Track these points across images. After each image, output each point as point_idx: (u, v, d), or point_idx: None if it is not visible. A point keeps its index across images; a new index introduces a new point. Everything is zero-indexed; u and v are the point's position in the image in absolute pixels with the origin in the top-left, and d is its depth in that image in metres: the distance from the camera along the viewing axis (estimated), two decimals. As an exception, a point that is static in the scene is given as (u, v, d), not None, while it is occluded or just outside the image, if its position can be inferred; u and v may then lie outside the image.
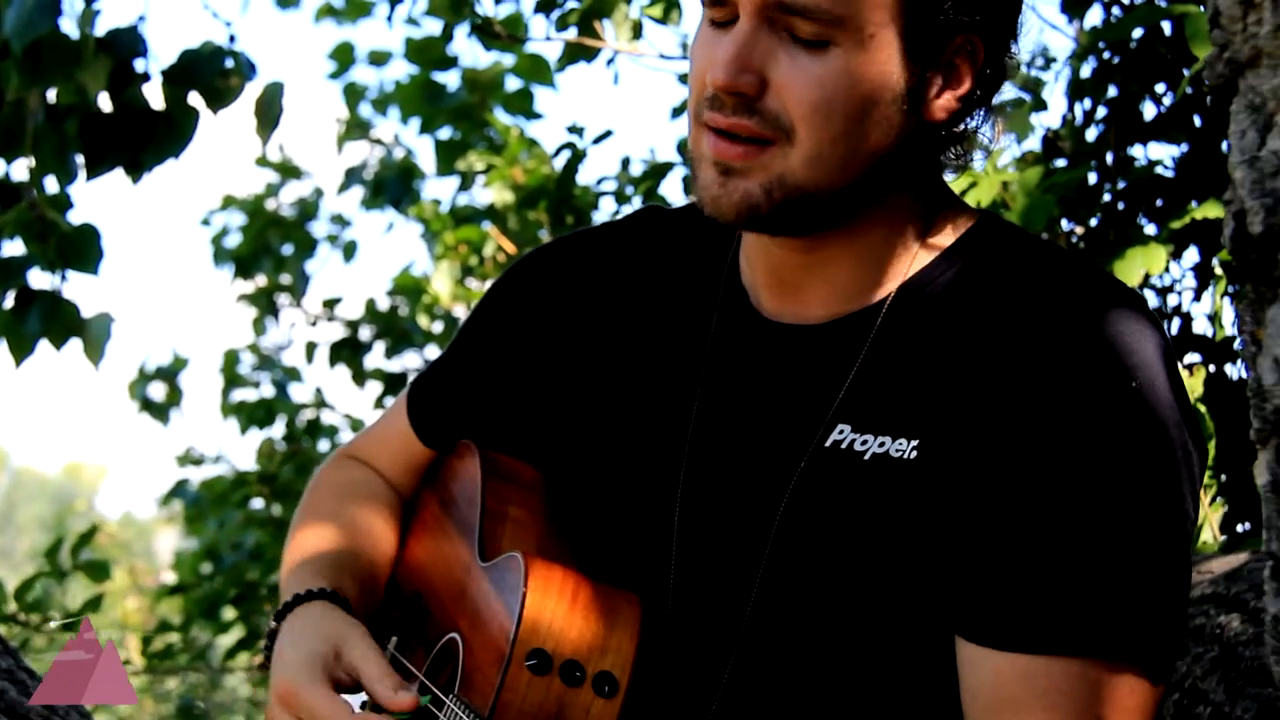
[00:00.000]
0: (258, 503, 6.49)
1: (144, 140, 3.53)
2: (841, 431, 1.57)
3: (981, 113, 1.61)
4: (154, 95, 3.56)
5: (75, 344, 3.73)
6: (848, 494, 1.55)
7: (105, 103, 3.51)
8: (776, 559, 1.58)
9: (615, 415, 1.74)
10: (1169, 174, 3.39)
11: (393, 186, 7.19)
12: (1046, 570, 1.43)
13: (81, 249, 3.63)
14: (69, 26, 3.38)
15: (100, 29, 3.47)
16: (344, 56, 7.31)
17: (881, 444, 1.54)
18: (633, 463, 1.71)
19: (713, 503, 1.64)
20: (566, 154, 4.57)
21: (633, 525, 1.70)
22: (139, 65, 3.53)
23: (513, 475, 1.82)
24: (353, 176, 7.44)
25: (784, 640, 1.58)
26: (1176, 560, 1.45)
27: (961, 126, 1.60)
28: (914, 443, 1.52)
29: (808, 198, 1.53)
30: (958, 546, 1.49)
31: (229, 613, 6.38)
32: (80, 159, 3.56)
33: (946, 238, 1.62)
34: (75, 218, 3.67)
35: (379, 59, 7.25)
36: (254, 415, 7.51)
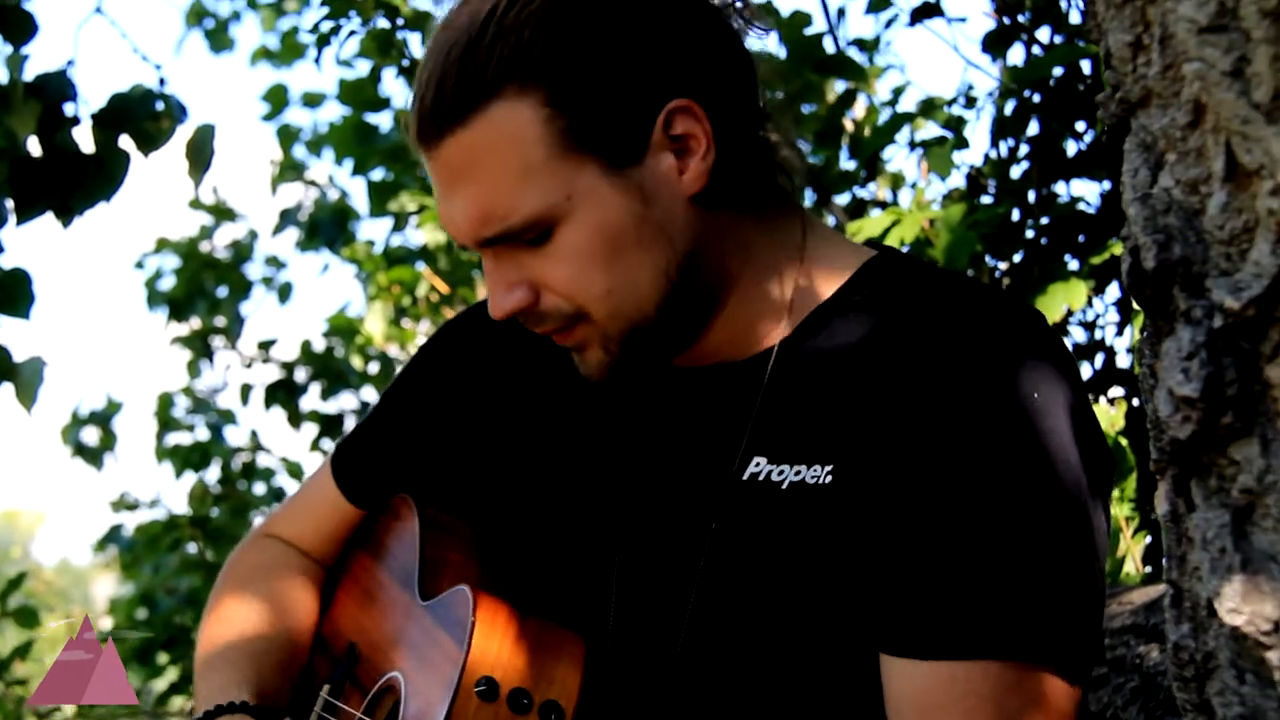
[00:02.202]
0: (192, 547, 6.44)
1: (74, 184, 3.52)
2: (758, 464, 1.59)
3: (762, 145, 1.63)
4: (84, 139, 3.55)
5: (7, 389, 3.70)
6: (769, 524, 1.57)
7: (35, 147, 3.49)
8: (705, 593, 1.60)
9: (544, 468, 1.77)
10: (1091, 210, 3.44)
11: (328, 228, 7.18)
12: (959, 579, 1.45)
13: (12, 293, 3.60)
14: (-3, 71, 3.37)
15: (29, 73, 3.46)
16: (277, 98, 7.30)
17: (798, 472, 1.56)
18: (565, 507, 1.73)
19: (644, 542, 1.66)
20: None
21: (569, 572, 1.72)
22: (68, 109, 3.51)
23: (449, 528, 1.84)
24: (287, 218, 7.42)
25: (715, 670, 1.60)
26: (1085, 565, 1.48)
27: (754, 163, 1.62)
28: (828, 468, 1.54)
29: (646, 333, 1.58)
30: (876, 565, 1.51)
31: (162, 657, 6.32)
32: (10, 203, 3.54)
33: (838, 275, 1.64)
34: (6, 262, 3.66)
35: (313, 100, 7.25)
36: (189, 459, 7.46)
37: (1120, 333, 3.49)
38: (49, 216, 3.54)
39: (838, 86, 4.37)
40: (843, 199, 3.99)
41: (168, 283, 7.78)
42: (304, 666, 1.91)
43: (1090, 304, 3.54)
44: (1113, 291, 3.44)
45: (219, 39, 8.46)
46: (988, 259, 3.47)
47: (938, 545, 1.47)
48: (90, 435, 7.73)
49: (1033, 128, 3.56)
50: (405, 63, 3.71)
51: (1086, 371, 3.57)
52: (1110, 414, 3.11)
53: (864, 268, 1.65)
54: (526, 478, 1.78)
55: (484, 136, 1.49)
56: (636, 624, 1.65)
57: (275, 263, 7.97)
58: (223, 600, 1.94)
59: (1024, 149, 3.58)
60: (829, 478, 1.54)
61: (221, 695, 1.78)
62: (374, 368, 6.69)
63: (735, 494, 1.60)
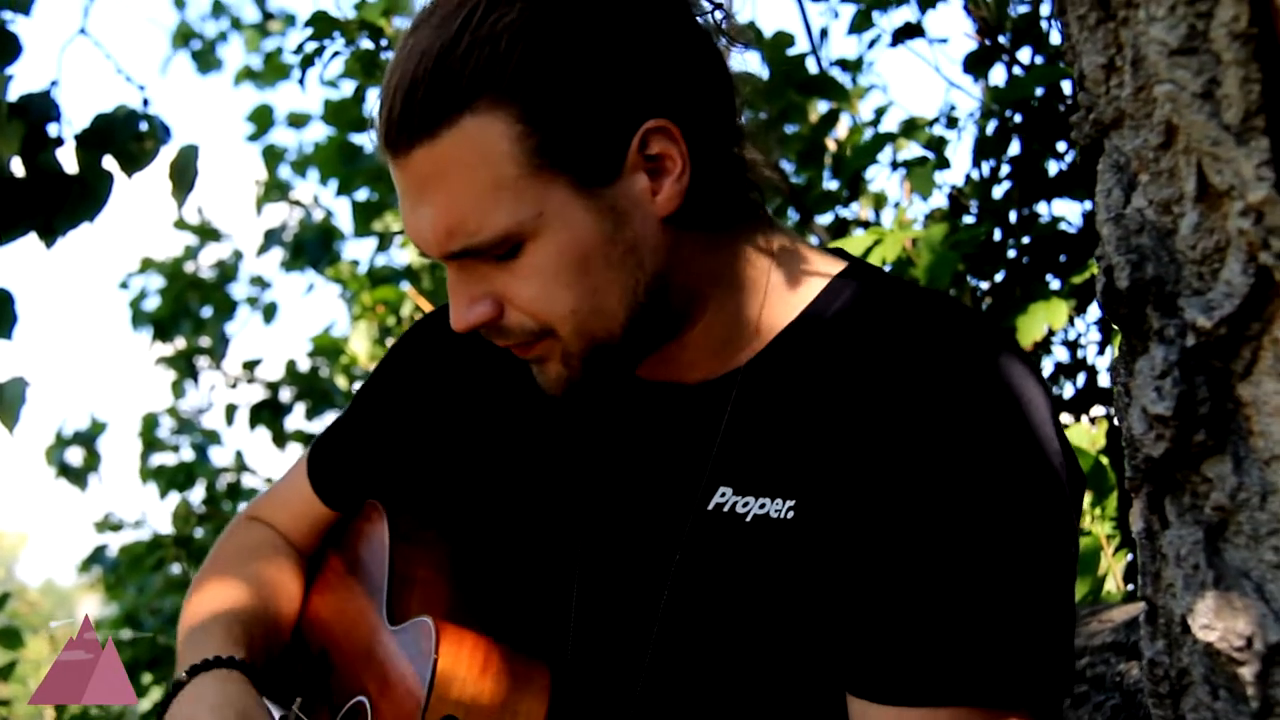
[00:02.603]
0: (176, 568, 6.43)
1: (57, 204, 3.52)
2: (723, 494, 1.58)
3: (734, 166, 1.60)
4: (68, 159, 3.55)
5: (-11, 409, 3.70)
6: (733, 557, 1.56)
7: (18, 168, 3.49)
8: (668, 624, 1.59)
9: (509, 474, 1.76)
10: (1073, 230, 3.45)
11: (313, 248, 7.19)
12: (926, 622, 1.43)
13: (-6, 313, 3.61)
14: (-20, 92, 3.38)
15: (13, 94, 3.46)
16: (263, 119, 7.31)
17: (761, 505, 1.54)
18: (527, 524, 1.72)
19: (606, 567, 1.65)
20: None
21: (532, 587, 1.71)
22: (52, 129, 3.51)
23: (420, 537, 1.82)
24: (272, 238, 7.43)
25: (678, 703, 1.58)
26: (1056, 602, 1.46)
27: (728, 183, 1.59)
28: (790, 503, 1.53)
29: (608, 349, 1.55)
30: (843, 603, 1.49)
31: (147, 677, 6.31)
32: (-8, 224, 3.55)
33: (805, 295, 1.62)
34: (-12, 282, 3.65)
35: (298, 121, 7.26)
36: (173, 479, 7.46)
37: (1101, 352, 3.51)
38: (32, 237, 3.54)
39: (820, 107, 4.39)
40: (825, 218, 4.00)
41: (152, 303, 7.79)
42: (283, 647, 1.90)
43: (1072, 323, 3.55)
44: (1094, 311, 3.45)
45: (206, 60, 8.48)
46: (969, 278, 3.48)
47: (906, 585, 1.45)
48: (75, 456, 7.73)
49: (1014, 148, 3.57)
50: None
51: (1069, 391, 3.59)
52: (1091, 433, 3.12)
53: (829, 287, 1.62)
54: (492, 487, 1.77)
55: (454, 150, 1.46)
56: (597, 652, 1.64)
57: (260, 283, 7.98)
58: (211, 576, 1.93)
59: (1005, 169, 3.60)
60: (791, 512, 1.52)
61: (212, 652, 1.76)
62: (358, 387, 6.69)
63: (700, 525, 1.58)
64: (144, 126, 3.59)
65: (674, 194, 1.52)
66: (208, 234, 7.85)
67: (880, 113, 4.03)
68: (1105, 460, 2.97)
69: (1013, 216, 3.53)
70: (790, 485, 1.53)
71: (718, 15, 1.58)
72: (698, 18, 1.56)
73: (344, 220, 7.44)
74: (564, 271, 1.49)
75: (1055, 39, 3.36)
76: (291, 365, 7.31)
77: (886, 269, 3.35)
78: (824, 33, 5.07)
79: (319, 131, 7.45)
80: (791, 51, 3.89)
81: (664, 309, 1.56)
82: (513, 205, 1.46)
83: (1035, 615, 1.44)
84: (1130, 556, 3.00)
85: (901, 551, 1.45)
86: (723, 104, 1.58)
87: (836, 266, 1.65)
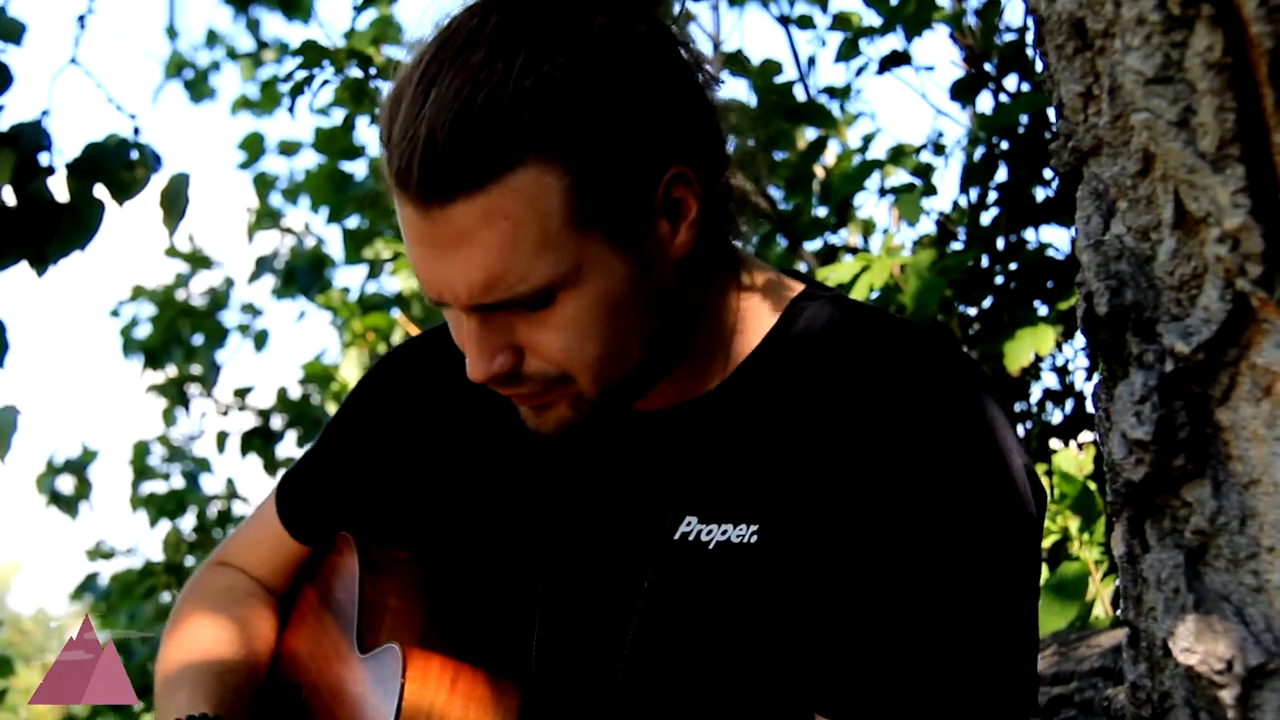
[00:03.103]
0: (167, 596, 6.42)
1: (48, 233, 3.52)
2: (689, 523, 1.58)
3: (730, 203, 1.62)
4: (59, 188, 3.56)
5: (-20, 438, 3.70)
6: (699, 585, 1.56)
7: (9, 196, 3.50)
8: (636, 654, 1.59)
9: (478, 508, 1.76)
10: (1060, 256, 3.47)
11: (304, 275, 7.19)
12: (892, 643, 1.44)
13: (-15, 342, 3.61)
14: (-28, 122, 3.39)
15: (4, 123, 3.48)
16: (254, 146, 7.33)
17: (724, 532, 1.55)
18: (495, 552, 1.73)
19: (572, 596, 1.66)
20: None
21: (497, 616, 1.71)
22: (43, 159, 3.53)
23: (390, 566, 1.82)
24: (264, 265, 7.43)
25: None
26: (1018, 625, 1.47)
27: (723, 222, 1.61)
28: (753, 528, 1.53)
29: (615, 394, 1.55)
30: (805, 627, 1.50)
31: (138, 705, 6.29)
32: (-16, 252, 3.56)
33: (770, 313, 1.64)
34: (-21, 311, 3.66)
35: (289, 149, 7.28)
36: (164, 507, 7.45)
37: (1090, 378, 3.52)
38: (23, 265, 3.55)
39: (809, 134, 4.41)
40: (814, 245, 4.02)
41: (143, 330, 7.78)
42: (258, 691, 1.90)
43: (1060, 349, 3.57)
44: (1082, 337, 3.46)
45: (199, 89, 8.49)
46: (957, 304, 3.50)
47: (869, 607, 1.45)
48: (66, 484, 7.71)
49: (1001, 174, 3.60)
50: (378, 111, 3.73)
51: (1057, 417, 3.60)
52: (1079, 458, 3.13)
53: (787, 312, 1.64)
54: (460, 515, 1.77)
55: (502, 204, 1.43)
56: (562, 680, 1.65)
57: (251, 310, 7.98)
58: (182, 623, 1.92)
59: (993, 195, 3.62)
60: (754, 537, 1.53)
61: (186, 710, 1.76)
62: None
63: (667, 555, 1.59)
64: (135, 155, 3.60)
65: (689, 236, 1.53)
66: (199, 261, 7.86)
67: (868, 140, 4.05)
68: (1093, 485, 2.99)
69: (1000, 243, 3.55)
70: (752, 510, 1.54)
71: (698, 50, 1.59)
72: (682, 51, 1.57)
73: (335, 247, 7.45)
74: (596, 321, 1.49)
75: (1041, 66, 3.38)
76: (283, 392, 7.30)
77: (874, 295, 3.37)
78: (811, 60, 5.08)
79: (310, 159, 7.47)
80: (779, 79, 3.91)
81: (668, 347, 1.57)
82: (555, 258, 1.45)
83: (997, 638, 1.45)
84: (1118, 582, 3.01)
85: (862, 573, 1.46)
86: (717, 140, 1.58)
87: (793, 290, 1.66)
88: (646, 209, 1.50)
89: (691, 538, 1.58)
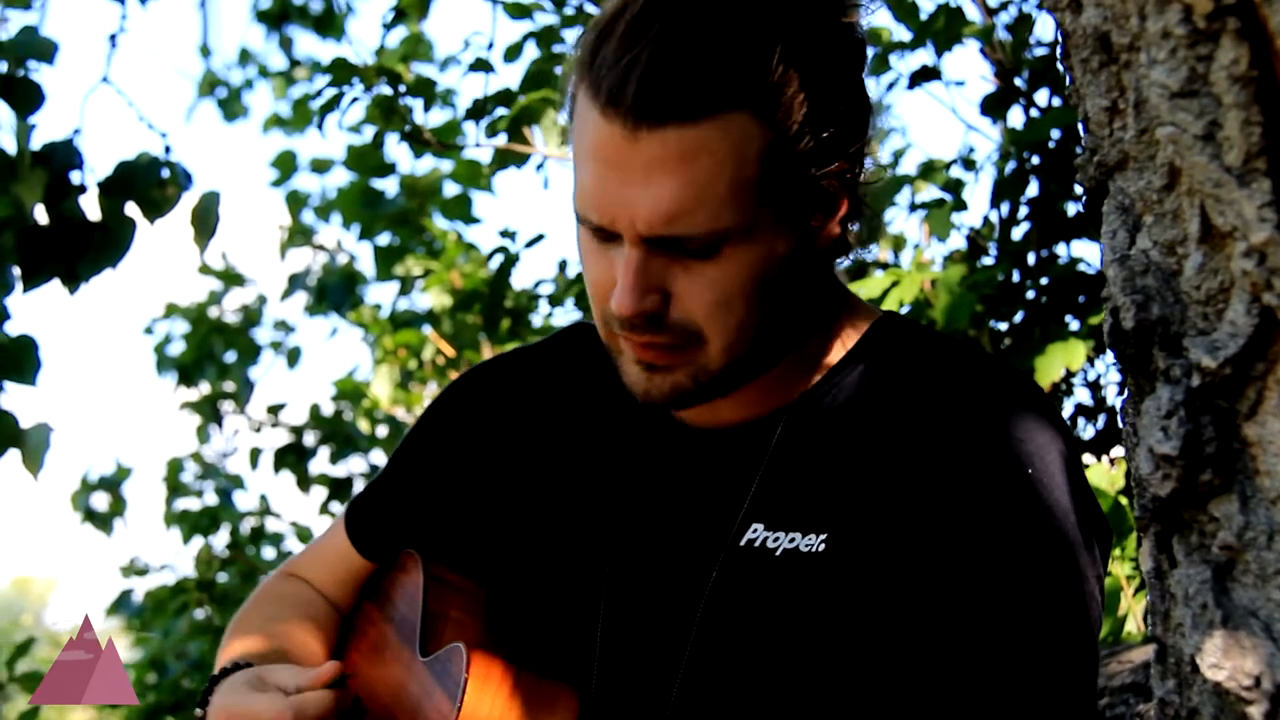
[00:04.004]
0: (200, 612, 6.44)
1: (80, 251, 3.55)
2: (755, 530, 1.59)
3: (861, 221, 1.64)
4: (91, 206, 3.59)
5: (14, 455, 3.72)
6: (762, 592, 1.57)
7: (42, 215, 3.53)
8: (697, 660, 1.60)
9: (546, 526, 1.77)
10: (1091, 271, 3.46)
11: (336, 292, 7.20)
12: (959, 660, 1.45)
13: (19, 360, 3.63)
14: (5, 140, 3.42)
15: (36, 143, 3.50)
16: (286, 164, 7.36)
17: (791, 540, 1.56)
18: (561, 571, 1.74)
19: (634, 607, 1.66)
20: (500, 258, 4.62)
21: (561, 632, 1.72)
22: (75, 177, 3.55)
23: (454, 584, 1.84)
24: (296, 282, 7.45)
25: None
26: (1081, 648, 1.48)
27: (850, 236, 1.62)
28: (822, 537, 1.55)
29: (732, 371, 1.57)
30: (872, 641, 1.50)
31: (170, 721, 6.31)
32: (17, 271, 3.58)
33: (848, 339, 1.66)
34: (12, 329, 3.67)
35: (321, 166, 7.30)
36: (197, 524, 7.46)
37: (1121, 392, 3.48)
38: (56, 283, 3.57)
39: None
40: (844, 260, 4.00)
41: (177, 348, 7.82)
42: None
43: (1091, 364, 3.55)
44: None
45: (231, 107, 8.53)
46: (988, 320, 3.48)
47: (938, 625, 1.46)
48: (100, 501, 7.74)
49: (1032, 189, 3.58)
50: (408, 128, 3.75)
51: (1089, 432, 3.58)
52: (1111, 474, 3.11)
53: (870, 332, 1.66)
54: (528, 535, 1.79)
55: (711, 141, 1.45)
56: (622, 690, 1.65)
57: (284, 327, 8.01)
58: (246, 620, 1.95)
59: (1024, 210, 3.60)
60: (822, 546, 1.54)
61: (226, 666, 1.80)
62: (382, 431, 6.69)
63: (730, 560, 1.60)
64: (166, 173, 3.62)
65: (833, 233, 1.57)
66: (232, 279, 7.89)
67: (898, 155, 4.04)
68: (1125, 501, 2.97)
69: (1031, 258, 3.54)
70: (821, 520, 1.56)
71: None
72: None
73: (366, 264, 7.46)
74: (748, 286, 1.51)
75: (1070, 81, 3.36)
76: (315, 409, 7.32)
77: (904, 310, 3.36)
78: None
79: (341, 177, 7.49)
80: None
81: (780, 344, 1.60)
82: (738, 209, 1.48)
83: (1064, 655, 1.46)
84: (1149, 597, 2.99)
85: (931, 595, 1.47)
86: (863, 143, 1.61)
87: (870, 316, 1.69)
88: (813, 195, 1.53)
89: (758, 544, 1.59)
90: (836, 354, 1.65)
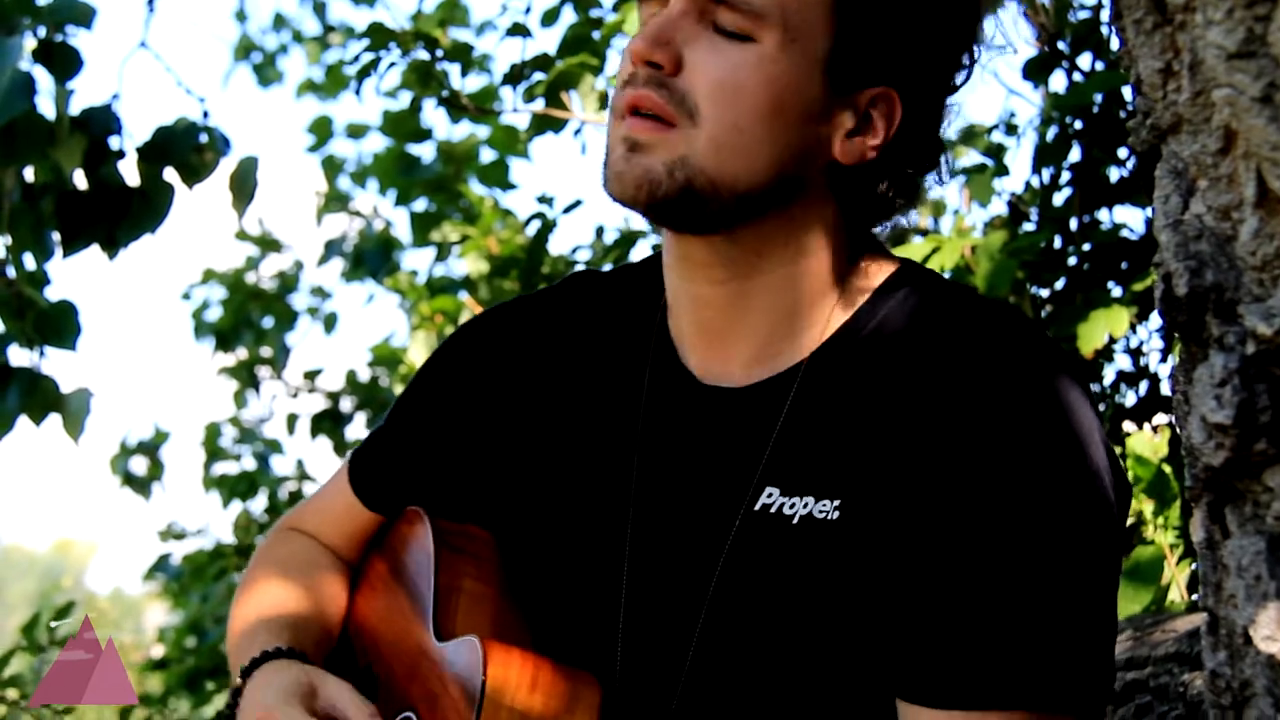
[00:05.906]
0: (238, 576, 6.48)
1: (119, 217, 3.55)
2: (770, 495, 1.57)
3: (900, 180, 1.62)
4: (129, 172, 3.59)
5: (55, 420, 3.74)
6: (778, 558, 1.55)
7: (81, 180, 3.53)
8: (711, 625, 1.58)
9: (556, 478, 1.74)
10: (1134, 237, 3.43)
11: (372, 258, 7.20)
12: (978, 624, 1.43)
13: (59, 325, 3.64)
14: (44, 106, 3.41)
15: (75, 108, 3.50)
16: (322, 130, 7.36)
17: (806, 505, 1.54)
18: (577, 526, 1.71)
19: (654, 567, 1.64)
20: (537, 224, 4.60)
21: (580, 590, 1.70)
22: (114, 143, 3.55)
23: (464, 544, 1.80)
24: (332, 249, 7.45)
25: (723, 707, 1.57)
26: (1100, 608, 1.46)
27: (883, 185, 1.61)
28: (836, 503, 1.52)
29: (708, 185, 1.53)
30: (887, 606, 1.49)
31: (210, 685, 6.35)
32: (56, 236, 3.59)
33: (864, 288, 1.63)
34: (52, 294, 3.69)
35: (357, 132, 7.30)
36: (235, 488, 7.51)
37: (1164, 359, 3.47)
38: (95, 249, 3.58)
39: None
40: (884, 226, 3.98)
41: (214, 313, 7.85)
42: (331, 654, 1.89)
43: (1134, 330, 3.52)
44: (1156, 318, 3.42)
45: (266, 73, 8.54)
46: (1029, 286, 3.46)
47: (956, 588, 1.44)
48: (139, 465, 7.79)
49: (1075, 154, 3.55)
50: (444, 94, 3.73)
51: (1130, 399, 3.56)
52: (1154, 441, 3.09)
53: (883, 286, 1.63)
54: (538, 492, 1.75)
55: None
56: (644, 653, 1.63)
57: (320, 293, 8.02)
58: (255, 584, 1.91)
59: (1066, 175, 3.57)
60: (836, 513, 1.52)
61: (260, 650, 1.75)
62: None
63: (746, 526, 1.58)
64: (204, 139, 3.62)
65: (857, 150, 1.57)
66: (269, 245, 7.91)
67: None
68: (1168, 469, 2.95)
69: (1073, 223, 3.51)
70: (837, 485, 1.53)
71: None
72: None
73: (402, 230, 7.46)
74: (760, 91, 1.51)
75: (1115, 44, 3.33)
76: (352, 375, 7.34)
77: (946, 277, 3.34)
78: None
79: (378, 142, 7.49)
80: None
81: (762, 203, 1.57)
82: (795, 7, 1.50)
83: (1080, 620, 1.44)
84: (1194, 566, 2.97)
85: (948, 554, 1.45)
86: (934, 121, 1.62)
87: (889, 267, 1.65)
88: (851, 84, 1.54)
89: (773, 510, 1.56)
90: (850, 303, 1.62)
